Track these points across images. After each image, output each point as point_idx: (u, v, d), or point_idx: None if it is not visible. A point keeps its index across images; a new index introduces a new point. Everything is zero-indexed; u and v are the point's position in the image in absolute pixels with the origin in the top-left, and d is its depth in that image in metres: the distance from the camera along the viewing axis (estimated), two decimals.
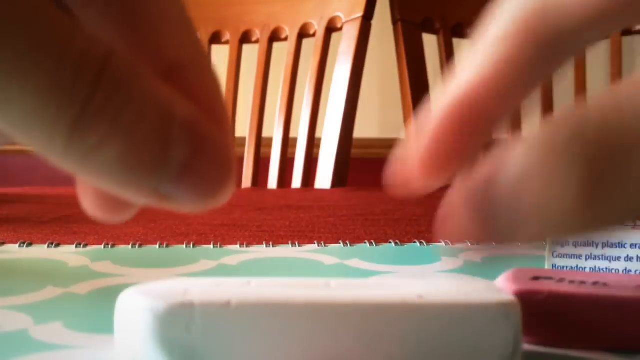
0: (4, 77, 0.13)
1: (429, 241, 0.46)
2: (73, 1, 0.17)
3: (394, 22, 1.03)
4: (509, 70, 0.19)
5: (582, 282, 0.25)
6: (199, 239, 0.46)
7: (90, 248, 0.42)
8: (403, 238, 0.48)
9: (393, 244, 0.45)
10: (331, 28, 1.03)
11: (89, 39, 0.13)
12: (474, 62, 0.19)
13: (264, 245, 0.44)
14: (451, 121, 0.19)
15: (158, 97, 0.14)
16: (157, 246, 0.43)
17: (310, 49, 1.04)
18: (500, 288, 0.24)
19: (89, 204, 0.17)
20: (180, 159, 0.14)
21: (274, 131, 1.04)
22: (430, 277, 0.36)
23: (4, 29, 0.12)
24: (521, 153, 0.15)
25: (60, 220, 0.53)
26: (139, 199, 0.15)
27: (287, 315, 0.20)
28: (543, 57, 0.19)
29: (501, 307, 0.21)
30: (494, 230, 0.15)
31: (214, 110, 0.17)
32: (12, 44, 0.12)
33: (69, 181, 0.18)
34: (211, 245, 0.43)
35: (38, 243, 0.43)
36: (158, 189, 0.15)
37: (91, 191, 0.16)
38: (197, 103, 0.16)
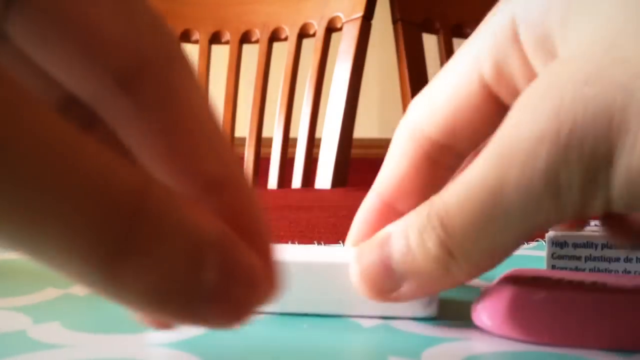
0: (38, 218, 0.13)
1: None
2: (115, 122, 0.16)
3: (394, 22, 1.03)
4: (407, 180, 0.26)
5: (581, 283, 0.25)
6: None
7: None
8: None
9: None
10: (331, 28, 1.03)
11: (126, 176, 0.13)
12: (384, 173, 0.28)
13: None
14: (370, 220, 0.27)
15: (191, 223, 0.14)
16: None
17: (310, 49, 1.04)
18: None
19: (137, 318, 0.18)
20: (211, 283, 0.14)
21: (274, 131, 1.04)
22: None
23: (40, 177, 0.12)
24: None
25: None
26: (171, 321, 0.15)
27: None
28: (431, 167, 0.26)
29: None
30: None
31: (252, 227, 0.17)
32: (49, 189, 0.12)
33: None
34: None
35: None
36: (189, 312, 0.14)
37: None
38: (234, 221, 0.16)
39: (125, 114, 0.16)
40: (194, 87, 0.16)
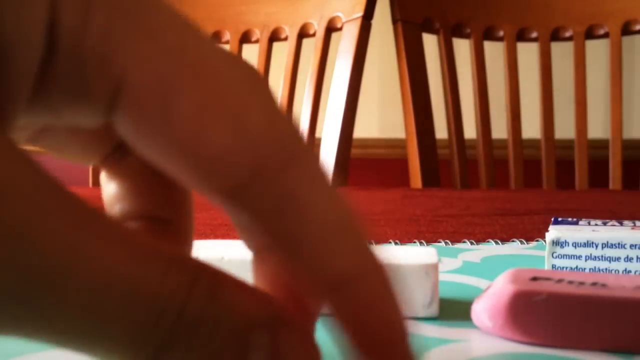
0: (87, 321, 0.13)
1: (429, 241, 0.46)
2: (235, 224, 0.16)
3: (394, 22, 1.03)
4: None
5: (581, 283, 0.25)
6: (200, 239, 0.46)
7: None
8: (403, 238, 0.48)
9: (393, 244, 0.45)
10: (331, 28, 1.03)
11: (171, 282, 0.14)
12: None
13: None
14: None
15: (238, 309, 0.14)
16: None
17: (310, 48, 1.04)
18: (430, 254, 0.29)
19: None
20: None
21: None
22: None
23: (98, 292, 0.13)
24: None
25: None
26: None
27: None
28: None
29: (422, 268, 0.28)
30: None
31: (387, 323, 0.16)
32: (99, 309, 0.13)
33: (77, 182, 0.18)
34: None
35: None
36: None
37: None
38: (366, 316, 0.15)
39: (240, 221, 0.16)
40: (317, 183, 0.15)
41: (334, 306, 0.16)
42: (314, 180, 0.15)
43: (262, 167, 0.14)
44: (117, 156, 0.19)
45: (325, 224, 0.15)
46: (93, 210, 0.13)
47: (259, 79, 0.15)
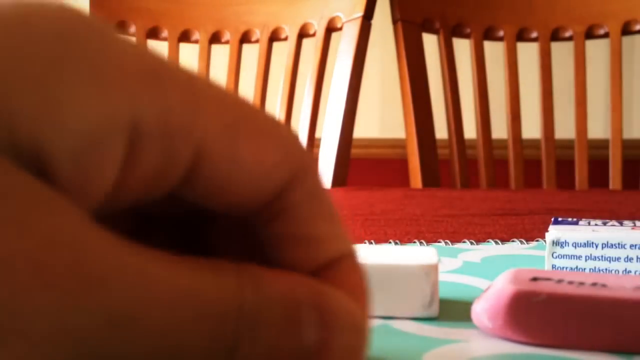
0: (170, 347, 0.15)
1: (429, 241, 0.46)
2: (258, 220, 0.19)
3: (394, 22, 1.03)
4: None
5: (581, 283, 0.25)
6: None
7: None
8: (403, 238, 0.48)
9: (393, 244, 0.45)
10: (331, 28, 1.03)
11: (222, 292, 0.15)
12: None
13: None
14: None
15: (282, 294, 0.16)
16: None
17: (310, 49, 1.04)
18: (430, 254, 0.29)
19: None
20: (312, 341, 0.16)
21: None
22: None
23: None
24: None
25: None
26: None
27: None
28: None
29: (422, 268, 0.28)
30: None
31: (363, 293, 0.19)
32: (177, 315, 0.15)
33: None
34: None
35: None
36: None
37: None
38: (351, 291, 0.18)
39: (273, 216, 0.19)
40: (322, 184, 0.19)
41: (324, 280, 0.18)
42: (320, 180, 0.19)
43: (297, 170, 0.18)
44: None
45: (331, 213, 0.19)
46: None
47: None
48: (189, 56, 1.20)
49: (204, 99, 0.17)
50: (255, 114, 0.18)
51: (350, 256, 0.19)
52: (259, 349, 0.15)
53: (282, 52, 1.06)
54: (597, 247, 0.32)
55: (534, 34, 1.05)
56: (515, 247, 0.44)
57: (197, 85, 0.17)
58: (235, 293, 0.15)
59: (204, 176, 0.17)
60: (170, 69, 0.16)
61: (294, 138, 0.19)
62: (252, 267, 0.16)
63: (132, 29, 1.08)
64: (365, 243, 0.45)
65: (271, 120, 0.18)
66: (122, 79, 0.15)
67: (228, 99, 0.17)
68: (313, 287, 0.17)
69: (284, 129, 0.19)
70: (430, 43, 1.04)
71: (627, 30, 1.03)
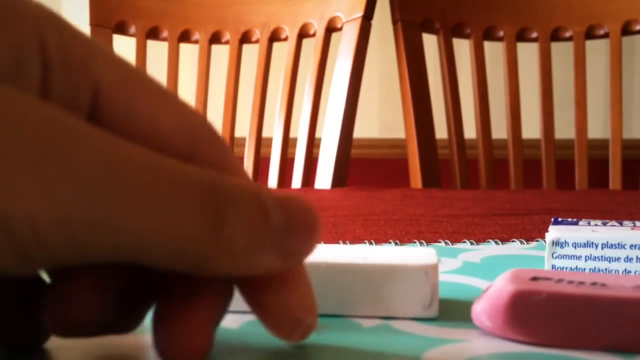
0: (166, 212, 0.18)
1: (428, 241, 0.46)
2: None
3: (394, 22, 1.03)
4: None
5: (581, 283, 0.25)
6: None
7: None
8: (403, 238, 0.48)
9: (393, 244, 0.45)
10: (331, 28, 1.03)
11: (200, 174, 0.18)
12: None
13: None
14: None
15: (250, 189, 0.19)
16: None
17: (310, 49, 1.04)
18: (430, 254, 0.29)
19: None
20: (280, 222, 0.19)
21: (274, 131, 1.04)
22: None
23: None
24: None
25: None
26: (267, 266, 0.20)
27: None
28: None
29: (422, 268, 0.27)
30: None
31: (296, 268, 0.22)
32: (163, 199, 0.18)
33: None
34: None
35: None
36: (279, 250, 0.19)
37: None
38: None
39: None
40: (229, 154, 0.22)
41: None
42: (227, 150, 0.22)
43: (198, 141, 0.21)
44: None
45: (239, 171, 0.22)
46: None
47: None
48: (189, 56, 1.20)
49: (101, 51, 0.19)
50: (151, 82, 0.20)
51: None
52: (243, 227, 0.18)
53: (282, 52, 1.06)
54: (597, 247, 0.32)
55: (534, 34, 1.05)
56: (515, 247, 0.44)
57: (94, 42, 0.19)
58: (211, 178, 0.18)
59: (105, 118, 0.19)
60: (66, 21, 0.19)
61: (191, 110, 0.21)
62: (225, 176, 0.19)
63: (132, 29, 1.08)
64: (365, 243, 0.45)
65: (169, 93, 0.21)
66: (27, 11, 0.18)
67: (125, 63, 0.20)
68: (264, 186, 0.20)
69: (181, 101, 0.21)
70: (430, 43, 1.04)
71: (627, 30, 1.03)
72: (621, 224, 0.35)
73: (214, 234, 0.18)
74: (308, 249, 0.20)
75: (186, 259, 0.18)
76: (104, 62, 0.19)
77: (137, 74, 0.20)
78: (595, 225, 0.35)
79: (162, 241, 0.17)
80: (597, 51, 1.22)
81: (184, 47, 1.10)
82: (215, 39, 1.09)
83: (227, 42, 1.09)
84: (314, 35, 1.04)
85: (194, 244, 0.18)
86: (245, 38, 1.09)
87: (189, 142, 0.20)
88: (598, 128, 1.52)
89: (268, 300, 0.21)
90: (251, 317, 0.27)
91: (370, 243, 0.45)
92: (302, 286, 0.22)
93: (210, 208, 0.18)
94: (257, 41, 1.08)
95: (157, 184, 0.17)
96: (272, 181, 1.03)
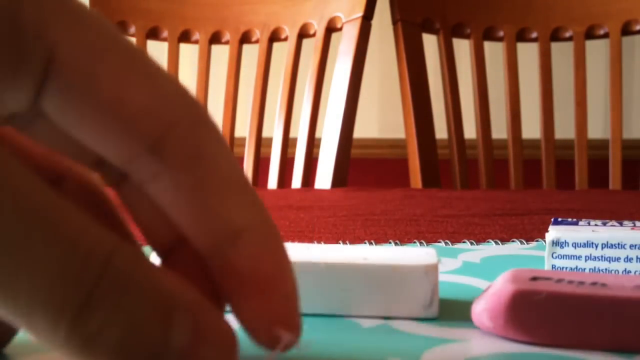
0: (13, 265, 0.14)
1: (428, 241, 0.46)
2: (143, 181, 0.17)
3: (394, 22, 1.03)
4: None
5: (581, 283, 0.25)
6: None
7: None
8: (403, 238, 0.48)
9: (393, 244, 0.45)
10: (331, 28, 1.03)
11: (97, 235, 0.15)
12: None
13: None
14: None
15: (161, 285, 0.15)
16: None
17: (310, 49, 1.04)
18: (430, 254, 0.29)
19: None
20: (180, 344, 0.15)
21: (274, 131, 1.04)
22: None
23: (12, 221, 0.14)
24: None
25: None
26: None
27: None
28: None
29: (422, 268, 0.27)
30: None
31: (274, 273, 0.18)
32: (24, 236, 0.14)
33: None
34: None
35: None
36: None
37: None
38: (254, 267, 0.17)
39: (154, 174, 0.17)
40: (219, 146, 0.18)
41: (228, 256, 0.17)
42: (218, 141, 0.17)
43: (175, 124, 0.17)
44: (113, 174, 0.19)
45: (228, 179, 0.17)
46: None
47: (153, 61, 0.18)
48: (189, 56, 1.20)
49: (64, 9, 0.16)
50: (125, 49, 0.17)
51: (256, 231, 0.18)
52: (116, 322, 0.14)
53: (282, 52, 1.06)
54: (597, 247, 0.32)
55: (534, 34, 1.05)
56: (515, 248, 0.44)
57: (69, 3, 0.16)
58: (106, 245, 0.15)
59: (59, 86, 0.16)
60: None
61: (174, 87, 0.17)
62: (141, 253, 0.16)
63: (132, 29, 1.08)
64: (365, 243, 0.45)
65: (147, 64, 0.17)
66: None
67: (93, 23, 0.17)
68: (198, 297, 0.16)
69: (161, 75, 0.17)
70: (430, 43, 1.04)
71: (627, 30, 1.03)
72: (621, 224, 0.35)
73: (72, 326, 0.14)
74: None
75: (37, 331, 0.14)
76: (63, 22, 0.16)
77: (106, 38, 0.17)
78: (595, 225, 0.35)
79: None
80: (597, 51, 1.22)
81: (184, 47, 1.10)
82: (215, 39, 1.09)
83: (227, 42, 1.09)
84: (314, 35, 1.04)
85: (46, 325, 0.14)
86: (245, 38, 1.09)
87: (160, 124, 0.17)
88: (598, 128, 1.52)
89: (241, 306, 0.18)
90: None
91: (370, 243, 0.45)
92: (282, 296, 0.18)
93: (77, 292, 0.14)
94: (257, 41, 1.08)
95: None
96: (272, 181, 1.03)
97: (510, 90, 1.04)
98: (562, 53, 1.08)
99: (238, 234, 0.17)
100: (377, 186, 0.86)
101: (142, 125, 0.17)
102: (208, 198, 0.17)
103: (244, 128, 1.06)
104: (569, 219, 0.37)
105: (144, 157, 0.17)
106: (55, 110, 0.16)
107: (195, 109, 0.17)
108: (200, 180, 0.17)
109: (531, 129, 1.08)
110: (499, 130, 1.06)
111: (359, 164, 1.54)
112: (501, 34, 1.06)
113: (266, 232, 0.18)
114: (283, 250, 0.18)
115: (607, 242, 0.32)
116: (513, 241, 0.46)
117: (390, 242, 0.46)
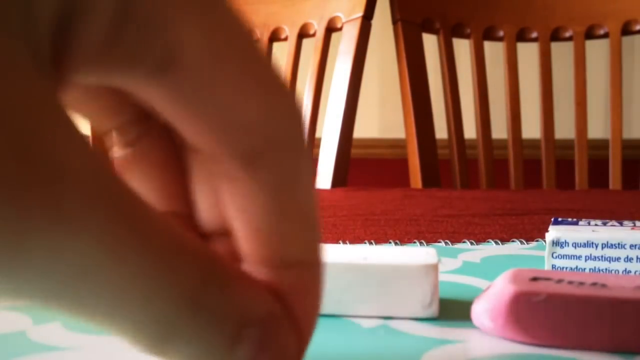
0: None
1: (428, 241, 0.46)
2: (213, 169, 0.17)
3: (394, 22, 1.03)
4: None
5: (581, 283, 0.25)
6: None
7: None
8: (403, 238, 0.48)
9: (393, 244, 0.45)
10: (331, 28, 1.03)
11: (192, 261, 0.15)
12: None
13: None
14: None
15: (239, 302, 0.16)
16: None
17: (310, 49, 1.04)
18: (430, 254, 0.29)
19: None
20: (245, 354, 0.16)
21: None
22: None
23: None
24: None
25: None
26: None
27: None
28: None
29: (422, 268, 0.27)
30: None
31: (306, 308, 0.18)
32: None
33: None
34: None
35: None
36: None
37: None
38: (293, 298, 0.17)
39: (234, 177, 0.17)
40: (308, 172, 0.17)
41: (279, 281, 0.17)
42: (307, 168, 0.17)
43: (276, 142, 0.16)
44: (132, 136, 0.19)
45: (306, 209, 0.17)
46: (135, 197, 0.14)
47: (280, 73, 0.17)
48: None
49: (193, 8, 0.15)
50: (257, 59, 0.16)
51: (313, 267, 0.18)
52: (194, 344, 0.15)
53: (282, 52, 1.06)
54: (597, 247, 0.32)
55: (534, 34, 1.05)
56: (515, 247, 0.44)
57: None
58: (195, 279, 0.15)
59: (173, 86, 0.15)
60: None
61: (290, 104, 0.17)
62: (227, 267, 0.16)
63: None
64: (365, 243, 0.45)
65: (273, 77, 0.16)
66: None
67: (233, 27, 0.16)
68: (271, 309, 0.16)
69: (283, 91, 0.17)
70: (430, 43, 1.04)
71: (627, 30, 1.03)
72: (621, 224, 0.35)
73: (156, 346, 0.15)
74: None
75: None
76: (191, 24, 0.15)
77: (232, 38, 0.16)
78: (595, 225, 0.35)
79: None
80: (597, 51, 1.22)
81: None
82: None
83: None
84: (314, 35, 1.04)
85: (135, 339, 0.15)
86: None
87: (260, 139, 0.16)
88: (598, 128, 1.52)
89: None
90: None
91: (370, 243, 0.45)
92: (253, 288, 0.17)
93: (159, 321, 0.15)
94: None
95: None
96: None
97: (510, 90, 1.04)
98: (562, 53, 1.08)
99: (293, 265, 0.18)
100: (377, 186, 0.86)
101: (244, 137, 0.16)
102: (281, 223, 0.17)
103: None
104: (569, 219, 0.37)
105: (232, 162, 0.16)
106: (164, 100, 0.16)
107: (298, 130, 0.17)
108: (278, 206, 0.17)
109: (531, 129, 1.08)
110: (499, 130, 1.06)
111: (359, 164, 1.54)
112: (501, 33, 1.06)
113: (317, 271, 0.18)
114: (320, 298, 0.18)
115: (607, 242, 0.32)
116: (513, 241, 0.46)
117: (390, 242, 0.46)
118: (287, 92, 0.17)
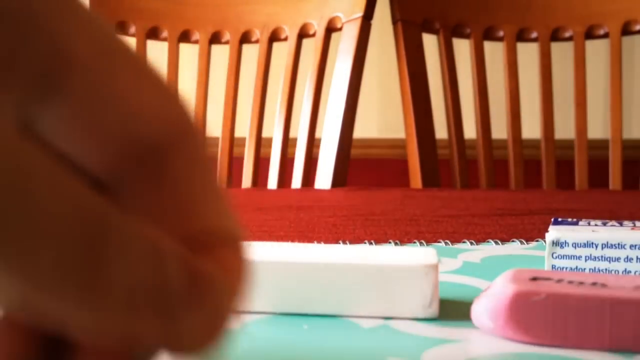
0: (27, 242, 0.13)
1: (428, 241, 0.46)
2: (113, 180, 0.17)
3: (394, 22, 1.03)
4: None
5: (581, 283, 0.25)
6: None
7: None
8: (403, 238, 0.48)
9: (393, 244, 0.45)
10: (331, 28, 1.03)
11: (94, 201, 0.14)
12: None
13: None
14: None
15: (151, 237, 0.15)
16: None
17: (310, 49, 1.04)
18: (430, 254, 0.29)
19: None
20: (180, 288, 0.15)
21: (274, 131, 1.04)
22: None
23: None
24: None
25: None
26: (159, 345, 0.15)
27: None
28: None
29: (422, 268, 0.28)
30: None
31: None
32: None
33: None
34: None
35: None
36: (171, 320, 0.15)
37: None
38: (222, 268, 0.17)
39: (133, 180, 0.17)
40: (200, 159, 0.18)
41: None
42: (201, 157, 0.18)
43: (176, 133, 0.17)
44: None
45: (213, 189, 0.18)
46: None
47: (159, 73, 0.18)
48: (189, 56, 1.20)
49: (81, 22, 0.16)
50: (139, 62, 0.17)
51: (233, 243, 0.18)
52: (120, 273, 0.14)
53: (282, 52, 1.06)
54: (597, 247, 0.32)
55: (534, 34, 1.05)
56: (515, 248, 0.44)
57: (80, 11, 0.16)
58: (104, 213, 0.14)
59: (76, 95, 0.15)
60: None
61: (180, 100, 0.17)
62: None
63: (132, 29, 1.08)
64: (365, 243, 0.45)
65: (155, 75, 0.17)
66: None
67: (103, 29, 0.16)
68: (185, 251, 0.16)
69: (169, 87, 0.17)
70: (430, 43, 1.04)
71: (627, 31, 1.03)
72: (621, 224, 0.35)
73: (82, 287, 0.14)
74: (208, 335, 0.16)
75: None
76: (83, 34, 0.16)
77: (115, 45, 0.16)
78: (595, 225, 0.35)
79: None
80: (597, 51, 1.22)
81: (184, 47, 1.09)
82: (215, 39, 1.09)
83: (227, 42, 1.09)
84: (314, 35, 1.04)
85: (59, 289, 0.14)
86: (245, 38, 1.09)
87: (165, 132, 0.17)
88: (598, 128, 1.52)
89: None
90: (251, 317, 0.27)
91: (370, 243, 0.45)
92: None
93: (84, 256, 0.14)
94: (257, 41, 1.08)
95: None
96: (272, 181, 1.03)
97: (510, 90, 1.04)
98: (562, 53, 1.08)
99: (209, 245, 0.17)
100: (377, 186, 0.86)
101: (146, 129, 0.16)
102: (179, 208, 0.17)
103: (244, 128, 1.06)
104: (569, 219, 0.37)
105: (128, 163, 0.16)
106: (50, 127, 0.16)
107: (187, 120, 0.17)
108: (178, 190, 0.17)
109: (531, 129, 1.08)
110: (499, 130, 1.06)
111: (359, 164, 1.54)
112: (501, 34, 1.06)
113: (239, 245, 0.18)
114: (246, 268, 0.18)
115: (607, 242, 0.32)
116: (513, 241, 0.46)
117: (390, 242, 0.46)
118: (165, 81, 0.17)
